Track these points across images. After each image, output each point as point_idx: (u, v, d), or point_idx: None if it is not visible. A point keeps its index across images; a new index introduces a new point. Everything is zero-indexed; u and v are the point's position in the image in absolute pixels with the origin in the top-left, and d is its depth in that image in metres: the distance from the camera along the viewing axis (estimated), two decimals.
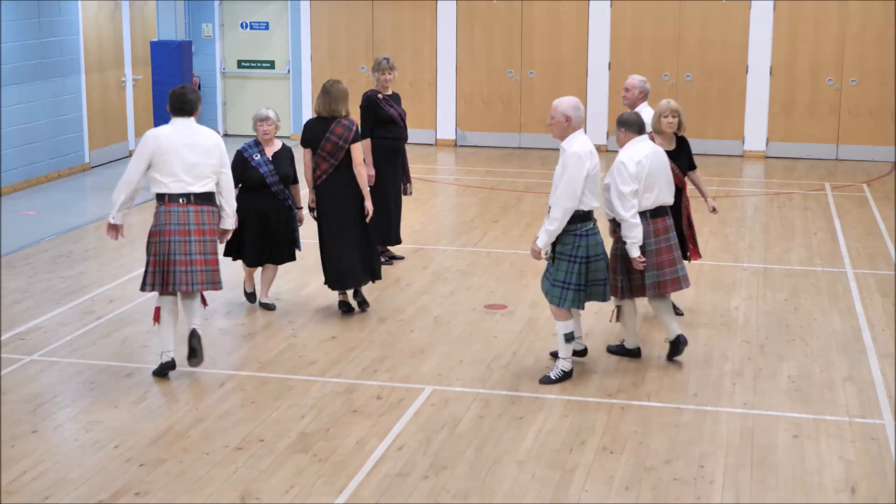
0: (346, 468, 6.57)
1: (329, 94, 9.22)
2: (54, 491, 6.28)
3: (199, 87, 18.88)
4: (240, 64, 19.39)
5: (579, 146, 7.59)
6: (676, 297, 9.66)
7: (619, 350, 8.44)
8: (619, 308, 8.29)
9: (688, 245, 9.11)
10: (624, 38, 17.76)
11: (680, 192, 8.93)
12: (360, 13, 18.59)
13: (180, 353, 8.06)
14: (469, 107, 18.54)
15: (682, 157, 8.96)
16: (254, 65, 19.34)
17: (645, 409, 7.47)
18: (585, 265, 7.70)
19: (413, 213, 13.08)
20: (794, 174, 16.19)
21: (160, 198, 7.87)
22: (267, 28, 19.19)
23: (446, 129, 18.67)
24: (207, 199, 7.93)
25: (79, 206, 14.04)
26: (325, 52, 18.83)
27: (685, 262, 9.21)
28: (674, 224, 8.86)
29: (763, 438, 7.02)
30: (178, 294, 8.00)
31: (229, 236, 8.30)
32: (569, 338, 7.82)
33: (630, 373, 8.11)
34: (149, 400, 7.63)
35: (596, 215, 7.83)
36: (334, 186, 9.21)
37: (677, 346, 8.27)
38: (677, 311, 9.39)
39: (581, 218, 7.64)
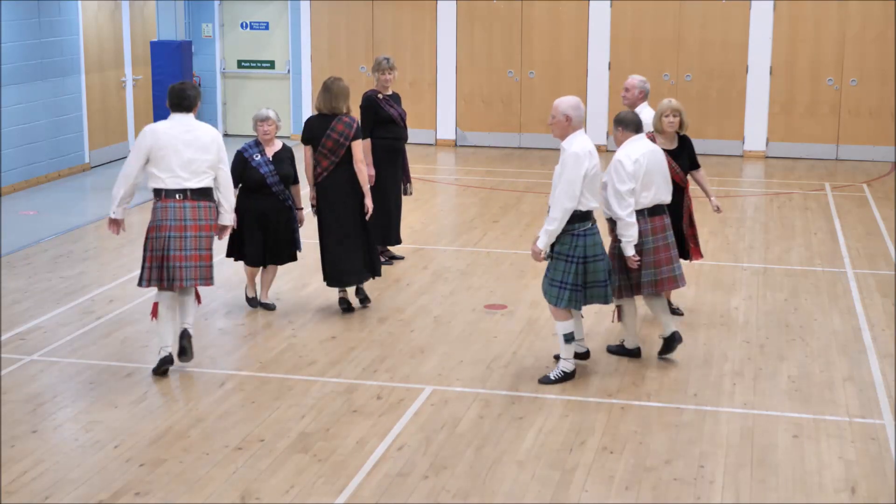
0: (346, 468, 6.57)
1: (330, 91, 9.23)
2: (54, 491, 6.28)
3: (199, 87, 18.88)
4: (240, 64, 19.39)
5: (578, 146, 7.59)
6: (677, 297, 9.67)
7: (619, 350, 8.44)
8: (619, 308, 8.29)
9: (688, 244, 9.10)
10: (624, 38, 17.76)
11: (682, 191, 8.94)
12: (360, 13, 18.59)
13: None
14: (469, 107, 18.54)
15: (683, 157, 8.95)
16: (254, 65, 19.34)
17: (645, 409, 7.47)
18: (583, 265, 7.69)
19: (413, 213, 13.08)
20: (794, 174, 16.19)
21: (157, 193, 7.90)
22: (267, 28, 19.19)
23: (446, 129, 18.67)
24: (204, 194, 7.95)
25: (79, 206, 14.04)
26: (325, 52, 18.83)
27: (686, 261, 9.24)
28: (675, 223, 8.89)
29: (763, 438, 7.02)
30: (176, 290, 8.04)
31: (228, 233, 8.31)
32: (568, 338, 7.82)
33: (630, 373, 8.11)
34: (149, 400, 7.63)
35: (595, 215, 7.83)
36: (335, 184, 9.22)
37: (671, 343, 8.28)
38: (678, 312, 9.40)
39: (579, 218, 7.64)
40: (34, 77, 14.90)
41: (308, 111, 18.54)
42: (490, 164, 17.03)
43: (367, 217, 9.33)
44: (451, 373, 8.12)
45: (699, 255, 9.24)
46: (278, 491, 6.30)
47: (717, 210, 9.22)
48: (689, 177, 9.08)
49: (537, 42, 18.07)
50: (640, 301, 8.67)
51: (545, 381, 7.88)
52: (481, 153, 18.00)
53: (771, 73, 17.42)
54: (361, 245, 9.38)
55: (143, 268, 7.94)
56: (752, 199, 14.37)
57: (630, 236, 7.90)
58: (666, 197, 8.18)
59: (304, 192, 9.98)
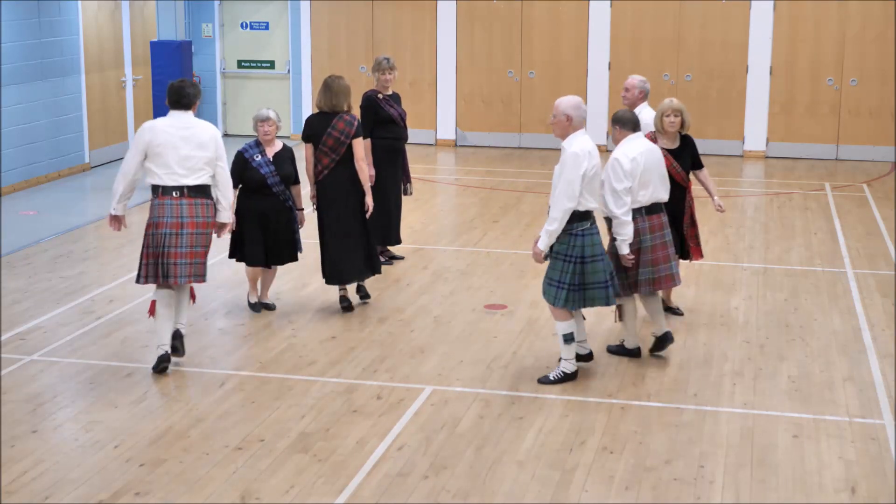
0: (346, 468, 6.57)
1: (331, 89, 9.23)
2: (54, 491, 6.28)
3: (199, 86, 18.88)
4: (240, 64, 19.39)
5: (578, 146, 7.58)
6: (677, 297, 9.67)
7: (619, 350, 8.44)
8: (619, 307, 8.29)
9: (688, 244, 9.10)
10: (624, 38, 17.76)
11: (684, 191, 8.93)
12: (360, 13, 18.59)
13: None
14: (469, 107, 18.54)
15: (684, 156, 8.94)
16: (254, 65, 19.34)
17: (645, 409, 7.47)
18: (581, 265, 7.67)
19: (413, 213, 13.08)
20: (794, 174, 16.19)
21: (155, 190, 7.93)
22: (267, 28, 19.18)
23: (446, 129, 18.67)
24: (202, 191, 7.96)
25: (79, 206, 14.04)
26: (325, 52, 18.83)
27: (686, 261, 9.25)
28: (676, 223, 8.89)
29: (763, 438, 7.02)
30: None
31: (227, 231, 8.31)
32: (568, 338, 7.80)
33: (630, 373, 8.11)
34: (149, 400, 7.63)
35: (595, 215, 7.82)
36: (336, 182, 9.23)
37: (663, 342, 8.32)
38: (678, 312, 9.40)
39: (578, 217, 7.63)
40: (34, 77, 14.90)
41: (308, 111, 18.53)
42: (490, 164, 17.03)
43: (368, 215, 9.34)
44: (451, 373, 8.12)
45: (699, 255, 9.24)
46: (278, 491, 6.30)
47: (720, 209, 9.20)
48: (691, 177, 9.08)
49: (537, 42, 18.07)
50: (639, 302, 8.67)
51: (544, 381, 7.87)
52: (481, 153, 18.00)
53: (771, 73, 17.42)
54: (362, 243, 9.38)
55: (140, 264, 7.99)
56: (752, 199, 14.37)
57: (625, 235, 7.90)
58: (663, 195, 8.18)
59: (305, 192, 9.98)
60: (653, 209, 8.12)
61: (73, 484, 6.36)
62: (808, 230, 12.53)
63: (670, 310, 9.37)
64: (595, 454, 6.77)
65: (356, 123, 9.22)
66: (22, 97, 14.65)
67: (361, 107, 10.61)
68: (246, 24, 19.24)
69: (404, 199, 11.19)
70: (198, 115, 8.18)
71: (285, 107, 18.96)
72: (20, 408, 7.46)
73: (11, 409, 7.44)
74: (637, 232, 8.01)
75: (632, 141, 8.04)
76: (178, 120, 7.96)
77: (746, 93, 17.54)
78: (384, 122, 10.59)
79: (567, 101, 7.67)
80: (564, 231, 7.64)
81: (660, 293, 8.65)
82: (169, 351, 8.04)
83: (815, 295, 10.06)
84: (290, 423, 7.21)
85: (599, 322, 9.12)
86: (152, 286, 8.22)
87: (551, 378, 7.87)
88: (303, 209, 9.56)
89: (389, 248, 11.12)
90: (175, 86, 8.03)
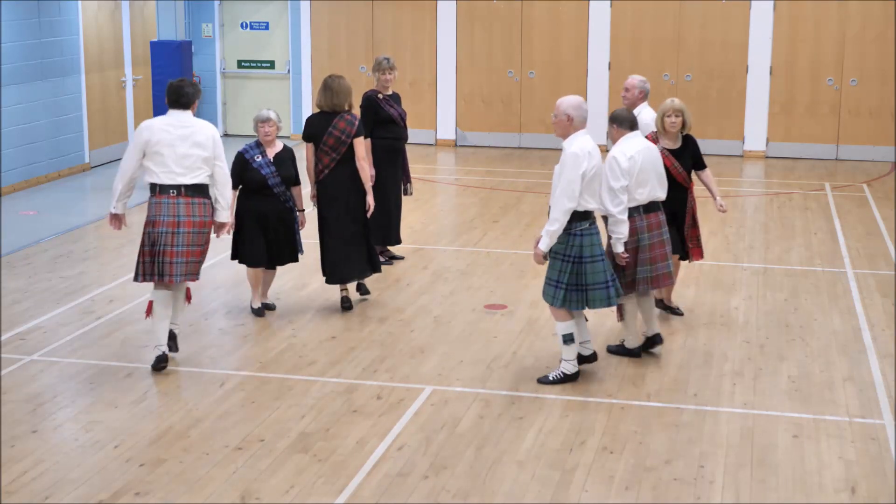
0: (346, 468, 6.57)
1: (331, 88, 9.23)
2: (54, 491, 6.28)
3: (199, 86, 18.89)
4: (240, 64, 19.39)
5: (578, 146, 7.58)
6: (677, 297, 9.67)
7: (619, 350, 8.44)
8: (620, 306, 8.28)
9: (688, 244, 9.10)
10: (624, 38, 17.76)
11: (685, 191, 8.93)
12: (360, 13, 18.59)
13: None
14: (469, 107, 18.54)
15: (685, 156, 8.93)
16: (254, 65, 19.34)
17: (645, 409, 7.47)
18: (579, 265, 7.66)
19: (413, 213, 13.08)
20: (794, 174, 16.19)
21: (152, 188, 7.96)
22: (267, 28, 19.18)
23: (446, 129, 18.67)
24: (199, 190, 7.97)
25: (79, 206, 14.04)
26: (325, 52, 18.83)
27: (686, 261, 9.25)
28: (676, 223, 8.89)
29: (763, 438, 7.02)
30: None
31: (226, 231, 8.31)
32: (567, 339, 7.79)
33: (630, 373, 8.11)
34: (149, 400, 7.63)
35: (595, 216, 7.82)
36: (336, 181, 9.23)
37: (653, 342, 8.36)
38: (678, 311, 9.40)
39: (577, 217, 7.62)
40: (34, 77, 14.90)
41: (308, 111, 18.53)
42: (490, 164, 17.03)
43: (369, 214, 9.34)
44: (451, 373, 8.12)
45: (699, 255, 9.23)
46: (278, 491, 6.30)
47: (722, 210, 9.17)
48: (693, 177, 9.07)
49: (537, 42, 18.07)
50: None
51: (544, 381, 7.87)
52: (481, 153, 18.00)
53: (771, 73, 17.42)
54: (362, 242, 9.38)
55: (137, 263, 8.01)
56: (752, 199, 14.37)
57: (620, 233, 7.91)
58: (661, 194, 8.18)
59: (305, 192, 9.98)
60: (650, 207, 8.12)
61: (73, 484, 6.36)
62: (808, 230, 12.53)
63: (670, 309, 9.38)
64: (595, 454, 6.77)
65: (357, 123, 9.22)
66: (22, 97, 14.65)
67: (361, 107, 10.61)
68: (246, 24, 19.24)
69: (404, 199, 11.19)
70: (198, 116, 8.19)
71: (285, 107, 18.96)
72: (20, 408, 7.46)
73: (11, 409, 7.44)
74: (635, 230, 8.01)
75: (629, 139, 8.05)
76: (177, 119, 7.97)
77: (746, 93, 17.54)
78: (384, 122, 10.59)
79: (568, 101, 7.67)
80: (563, 231, 7.64)
81: (654, 293, 8.65)
82: (167, 351, 8.06)
83: (815, 295, 10.06)
84: (290, 423, 7.21)
85: (601, 322, 9.11)
86: (151, 285, 8.21)
87: (551, 378, 7.87)
88: (303, 210, 9.54)
89: (389, 248, 11.12)
90: (174, 85, 8.05)
